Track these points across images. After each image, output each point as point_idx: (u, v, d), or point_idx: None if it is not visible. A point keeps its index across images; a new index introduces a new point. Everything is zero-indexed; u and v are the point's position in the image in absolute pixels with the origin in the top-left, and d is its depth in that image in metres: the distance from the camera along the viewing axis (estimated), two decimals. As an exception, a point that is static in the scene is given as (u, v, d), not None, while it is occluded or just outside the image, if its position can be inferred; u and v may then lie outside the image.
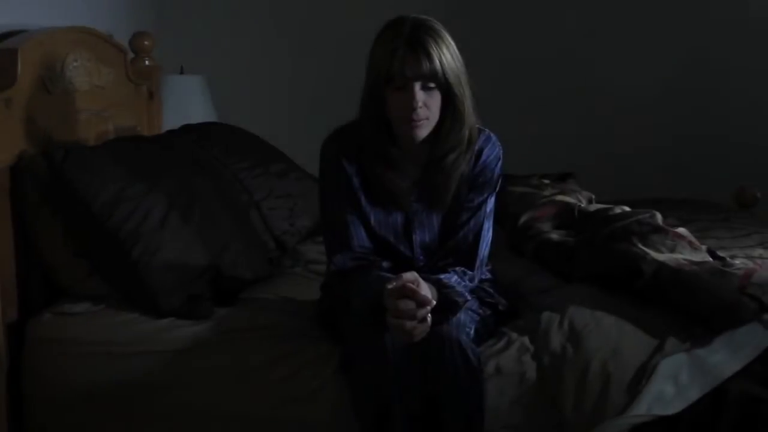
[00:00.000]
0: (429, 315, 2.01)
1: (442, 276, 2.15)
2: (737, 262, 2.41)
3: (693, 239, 2.48)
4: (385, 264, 2.25)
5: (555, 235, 2.71)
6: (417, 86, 2.10)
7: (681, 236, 2.45)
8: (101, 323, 2.42)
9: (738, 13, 4.18)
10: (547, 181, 3.25)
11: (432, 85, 2.11)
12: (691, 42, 4.22)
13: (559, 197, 2.93)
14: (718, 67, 4.22)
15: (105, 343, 2.36)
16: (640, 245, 2.39)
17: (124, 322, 2.42)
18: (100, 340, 2.36)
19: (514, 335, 2.28)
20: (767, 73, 4.16)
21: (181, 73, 3.99)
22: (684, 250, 2.40)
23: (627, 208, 2.68)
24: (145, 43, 3.48)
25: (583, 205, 2.89)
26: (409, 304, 1.99)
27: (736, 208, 3.49)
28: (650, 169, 4.30)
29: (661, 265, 2.30)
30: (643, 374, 2.14)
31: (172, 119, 3.61)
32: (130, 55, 3.42)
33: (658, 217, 2.53)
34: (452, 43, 2.15)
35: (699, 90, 4.23)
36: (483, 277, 2.35)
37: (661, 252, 2.36)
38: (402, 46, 2.09)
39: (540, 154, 4.08)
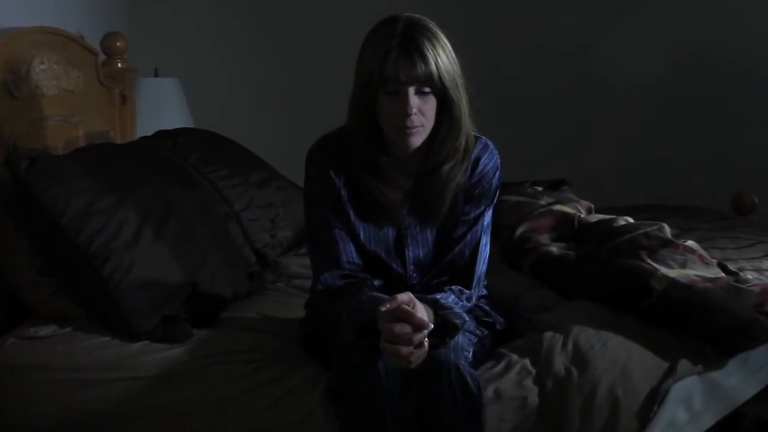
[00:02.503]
0: (426, 339, 1.88)
1: (438, 296, 2.02)
2: (750, 277, 2.29)
3: (704, 253, 2.36)
4: (376, 282, 2.12)
5: (554, 248, 2.59)
6: (411, 91, 1.97)
7: (691, 250, 2.33)
8: (69, 347, 2.27)
9: (737, 17, 4.08)
10: (539, 189, 3.12)
11: (427, 89, 1.98)
12: (687, 43, 4.11)
13: (557, 207, 2.81)
14: (714, 69, 4.12)
15: (73, 369, 2.21)
16: (649, 260, 2.27)
17: (94, 345, 2.28)
18: (68, 365, 2.22)
19: (514, 357, 2.16)
20: (764, 77, 4.05)
21: (156, 75, 3.88)
22: (695, 265, 2.28)
23: (630, 219, 2.57)
24: (118, 44, 3.40)
25: (583, 216, 2.76)
26: (404, 328, 1.86)
27: (733, 214, 3.38)
28: (641, 175, 4.21)
29: (672, 282, 2.18)
30: (654, 399, 2.04)
31: (146, 124, 3.51)
32: (102, 57, 3.31)
33: (666, 229, 2.41)
34: (448, 44, 2.02)
35: (693, 93, 4.14)
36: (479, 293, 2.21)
37: (671, 267, 2.24)
38: (395, 48, 1.95)
39: (525, 158, 3.94)
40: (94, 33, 3.39)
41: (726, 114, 4.12)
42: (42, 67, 2.77)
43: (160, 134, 3.08)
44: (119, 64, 3.40)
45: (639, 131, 4.23)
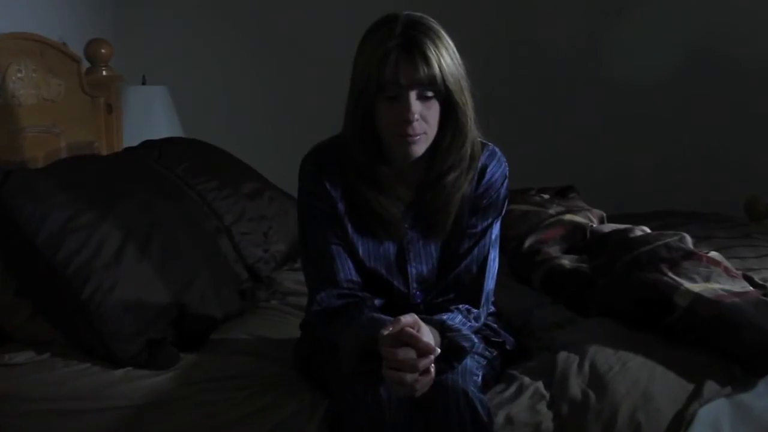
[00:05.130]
0: (432, 365, 1.74)
1: (444, 316, 1.89)
2: (779, 290, 2.16)
3: (729, 265, 2.23)
4: (376, 302, 1.99)
5: (566, 261, 2.46)
6: (413, 95, 1.83)
7: (716, 262, 2.19)
8: (47, 375, 2.13)
9: (745, 16, 3.95)
10: (546, 196, 2.98)
11: (430, 93, 1.85)
12: (695, 44, 4.01)
13: (568, 216, 2.68)
14: (723, 70, 4.02)
15: (51, 398, 2.06)
16: (671, 274, 2.13)
17: (73, 373, 2.13)
18: (44, 395, 2.07)
19: (527, 380, 2.02)
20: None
21: (143, 83, 3.80)
22: (720, 278, 2.14)
23: (647, 229, 2.43)
24: (102, 51, 3.30)
25: (595, 226, 2.63)
26: (409, 353, 1.72)
27: (747, 220, 3.27)
28: (649, 180, 4.11)
29: (697, 297, 2.05)
30: (679, 424, 1.89)
31: (134, 134, 3.42)
32: (86, 64, 3.16)
33: (688, 239, 2.28)
34: (451, 43, 1.89)
35: (702, 95, 4.04)
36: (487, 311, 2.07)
37: (695, 281, 2.11)
38: (395, 49, 1.82)
39: (529, 164, 3.81)
40: (78, 40, 3.28)
41: (736, 116, 4.02)
42: (19, 75, 2.67)
43: (146, 144, 2.96)
44: (104, 72, 3.28)
45: (646, 135, 4.14)
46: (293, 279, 2.73)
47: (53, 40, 2.94)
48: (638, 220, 2.91)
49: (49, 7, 3.40)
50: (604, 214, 2.84)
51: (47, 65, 2.84)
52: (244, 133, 4.04)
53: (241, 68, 4.21)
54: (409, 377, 1.71)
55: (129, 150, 2.94)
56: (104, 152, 3.17)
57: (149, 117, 3.63)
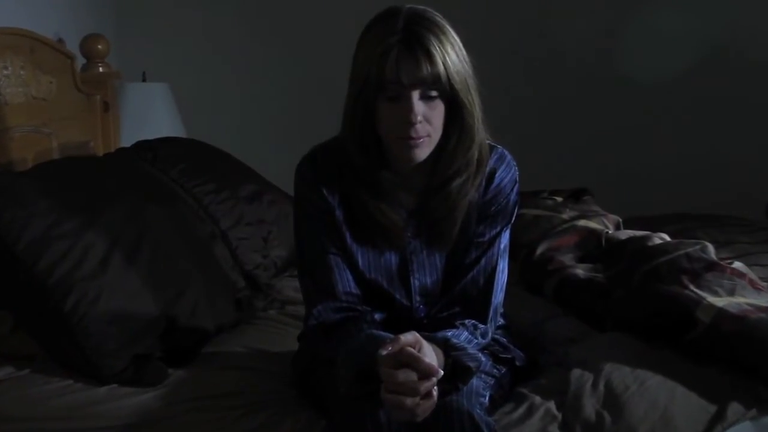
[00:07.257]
0: (435, 387, 1.62)
1: (449, 333, 1.76)
2: (809, 304, 2.03)
3: (754, 277, 2.11)
4: (377, 316, 1.87)
5: (580, 270, 2.34)
6: (415, 95, 1.71)
7: (740, 274, 2.08)
8: (27, 393, 2.03)
9: (764, 14, 3.82)
10: (559, 200, 2.85)
11: (434, 93, 1.72)
12: (708, 41, 3.88)
13: (582, 222, 2.56)
14: (740, 68, 3.92)
15: (30, 417, 1.95)
16: (692, 286, 2.02)
17: (55, 390, 2.03)
18: (24, 414, 1.96)
19: (537, 399, 1.91)
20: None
21: (144, 80, 3.69)
22: (745, 291, 2.03)
23: (666, 237, 2.30)
24: (98, 47, 3.22)
25: (610, 232, 2.50)
26: (409, 376, 1.60)
27: (766, 222, 3.15)
28: (664, 181, 3.99)
29: (721, 312, 1.94)
30: (702, 449, 1.80)
31: (132, 133, 3.32)
32: (81, 60, 3.05)
33: (710, 249, 2.16)
34: (457, 39, 1.76)
35: (719, 94, 3.93)
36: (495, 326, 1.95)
37: (718, 295, 2.00)
38: (396, 45, 1.70)
39: (540, 165, 3.69)
40: (77, 36, 3.20)
41: (755, 116, 3.91)
42: (5, 72, 2.55)
43: (140, 145, 2.84)
44: (100, 69, 3.18)
45: (662, 135, 4.02)
46: (294, 286, 2.58)
47: (44, 36, 2.83)
48: (654, 223, 2.80)
49: (45, 2, 3.29)
50: (620, 220, 2.71)
51: (37, 62, 2.73)
52: (246, 132, 3.96)
53: (245, 65, 4.12)
54: (410, 401, 1.59)
55: (122, 151, 2.82)
56: (100, 152, 3.07)
57: (149, 115, 3.54)
